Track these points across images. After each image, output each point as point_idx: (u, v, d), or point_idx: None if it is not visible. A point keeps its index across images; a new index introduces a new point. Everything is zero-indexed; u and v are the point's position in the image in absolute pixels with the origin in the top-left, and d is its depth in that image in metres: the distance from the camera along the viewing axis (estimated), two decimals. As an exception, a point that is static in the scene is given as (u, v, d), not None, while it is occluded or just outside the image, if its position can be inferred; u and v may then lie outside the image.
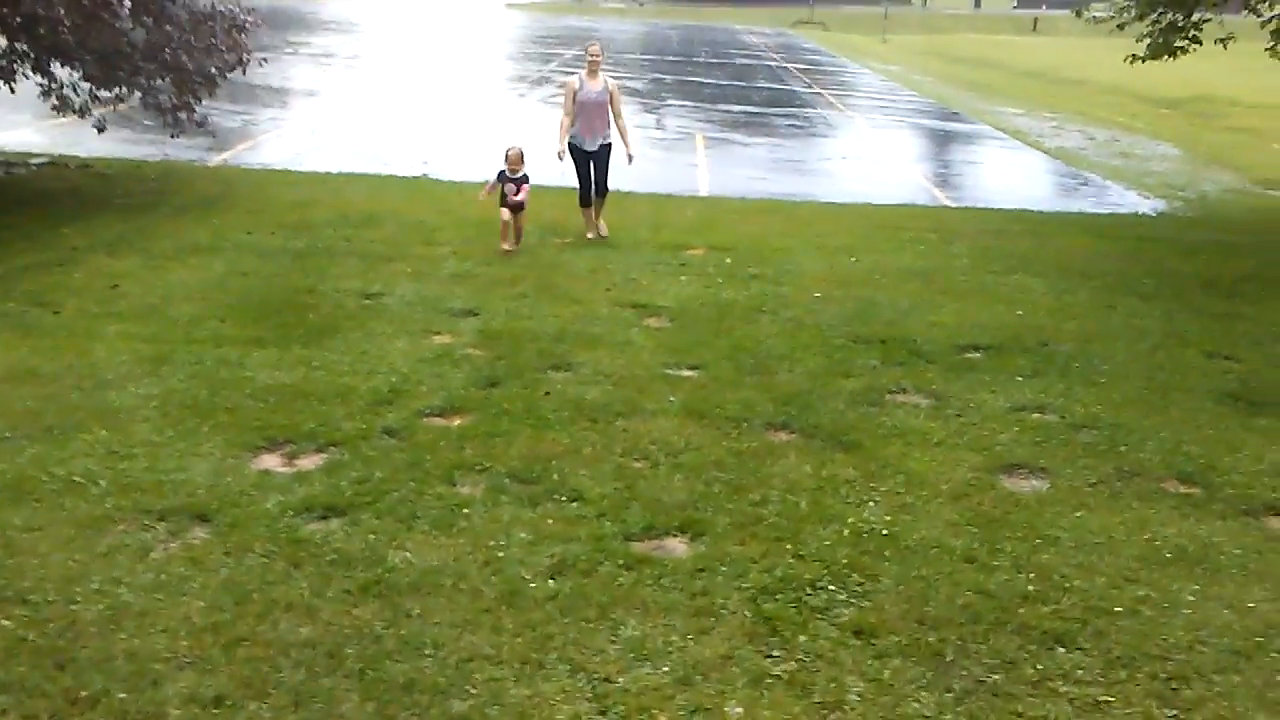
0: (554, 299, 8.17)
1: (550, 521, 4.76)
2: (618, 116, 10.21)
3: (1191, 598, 4.35)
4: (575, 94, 10.00)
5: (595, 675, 3.73)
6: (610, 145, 10.24)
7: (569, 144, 10.07)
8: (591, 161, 10.16)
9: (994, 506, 5.12)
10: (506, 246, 9.34)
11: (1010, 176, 17.08)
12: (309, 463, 5.26)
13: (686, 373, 6.77)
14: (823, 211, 12.80)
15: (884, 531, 4.80)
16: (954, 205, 14.12)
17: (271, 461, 5.27)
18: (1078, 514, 5.07)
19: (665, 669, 3.78)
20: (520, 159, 9.42)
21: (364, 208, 10.81)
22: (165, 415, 5.63)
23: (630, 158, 10.22)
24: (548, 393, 6.27)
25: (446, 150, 15.64)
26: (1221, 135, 21.84)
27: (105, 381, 6.02)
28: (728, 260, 9.67)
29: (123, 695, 3.47)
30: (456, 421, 5.83)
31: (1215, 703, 3.66)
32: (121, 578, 4.14)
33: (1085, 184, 16.30)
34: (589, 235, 10.24)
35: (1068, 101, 26.84)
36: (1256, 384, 6.98)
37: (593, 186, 10.21)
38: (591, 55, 10.27)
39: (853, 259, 10.03)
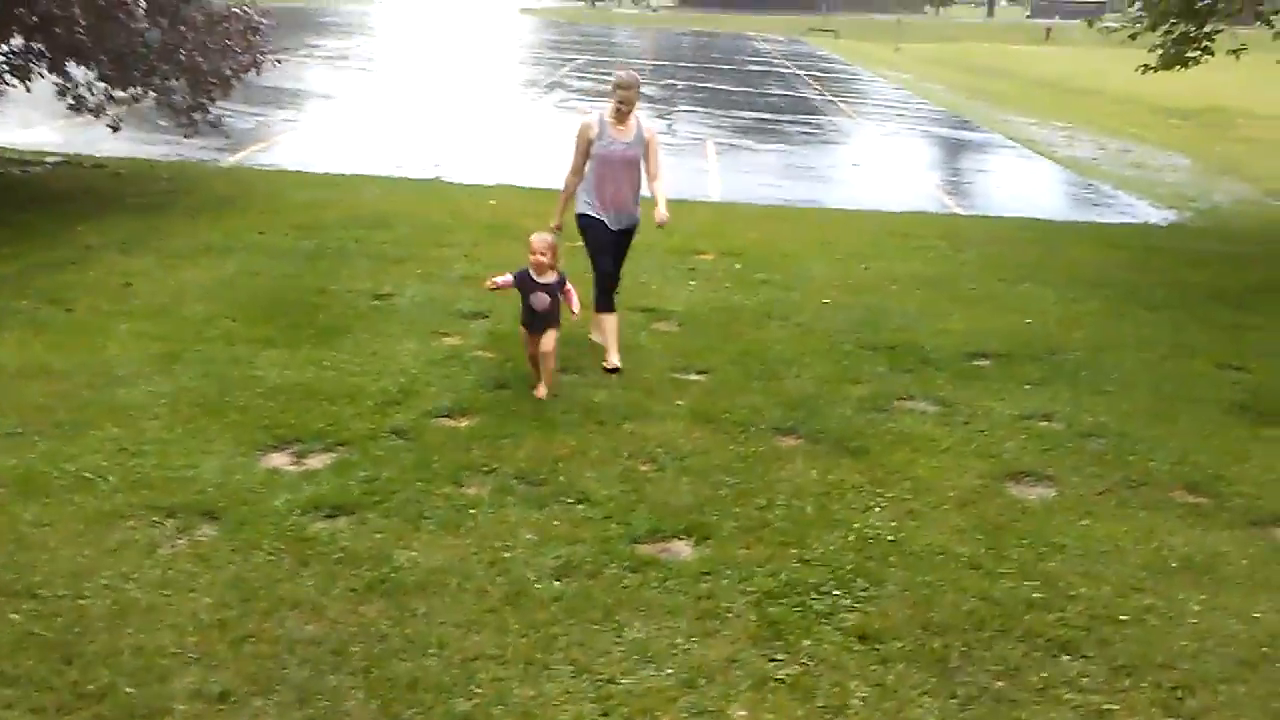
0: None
1: (557, 523, 4.78)
2: (653, 178, 6.89)
3: (1198, 607, 4.34)
4: (591, 143, 6.74)
5: (599, 676, 3.74)
6: (636, 226, 7.04)
7: (583, 216, 6.85)
8: (615, 244, 6.96)
9: (1000, 513, 5.11)
10: (540, 392, 6.23)
11: (1021, 185, 17.06)
12: (317, 462, 5.28)
13: (694, 377, 6.78)
14: (833, 218, 12.80)
15: (890, 537, 4.80)
16: (965, 213, 14.11)
17: (280, 460, 5.29)
18: (1084, 522, 5.07)
19: (669, 671, 3.79)
20: (552, 253, 6.21)
21: (376, 209, 10.84)
22: (176, 413, 5.66)
23: (663, 220, 6.77)
24: (556, 395, 6.28)
25: (459, 153, 15.69)
26: (1233, 146, 21.77)
27: (117, 378, 6.05)
28: (737, 265, 9.68)
29: (130, 690, 3.49)
30: (465, 423, 5.85)
31: (1220, 712, 3.66)
32: (129, 574, 4.17)
33: (1096, 194, 16.27)
34: (594, 337, 7.13)
35: (1080, 111, 26.79)
36: (1265, 395, 6.96)
37: (614, 278, 7.02)
38: (621, 92, 6.75)
39: (863, 265, 10.02)
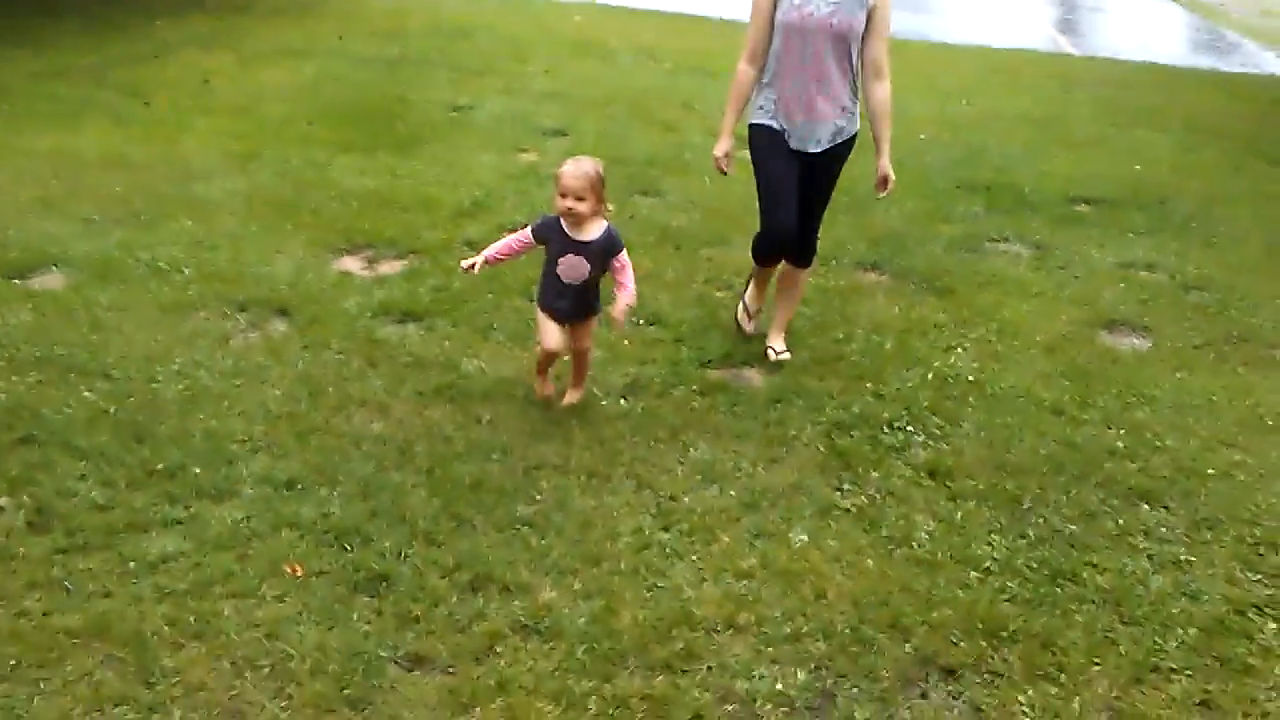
0: (646, 124, 7.92)
1: (627, 342, 4.68)
2: (874, 77, 4.39)
3: (1291, 467, 4.13)
4: (773, 5, 4.29)
5: (661, 493, 3.69)
6: (850, 143, 4.49)
7: (755, 127, 4.47)
8: (801, 169, 4.45)
9: (1089, 361, 4.89)
10: (544, 389, 4.19)
11: (1140, 27, 15.96)
12: (389, 268, 5.23)
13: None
14: (936, 52, 12.12)
15: (970, 377, 4.62)
16: (1078, 54, 13.26)
17: (352, 264, 5.25)
18: (1178, 374, 4.82)
19: (732, 493, 3.73)
20: (591, 188, 3.87)
21: (458, 19, 10.52)
22: (250, 211, 5.63)
23: (886, 176, 4.58)
24: (633, 216, 6.11)
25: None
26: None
27: (193, 173, 6.03)
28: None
29: (198, 470, 3.54)
30: (539, 238, 5.72)
31: (1306, 572, 3.50)
32: (202, 361, 4.19)
33: (1221, 40, 15.16)
34: (746, 327, 4.89)
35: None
36: (1388, 257, 6.50)
37: (792, 222, 4.46)
38: None
39: (965, 102, 9.51)
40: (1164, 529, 3.70)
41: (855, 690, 2.92)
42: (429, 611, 3.05)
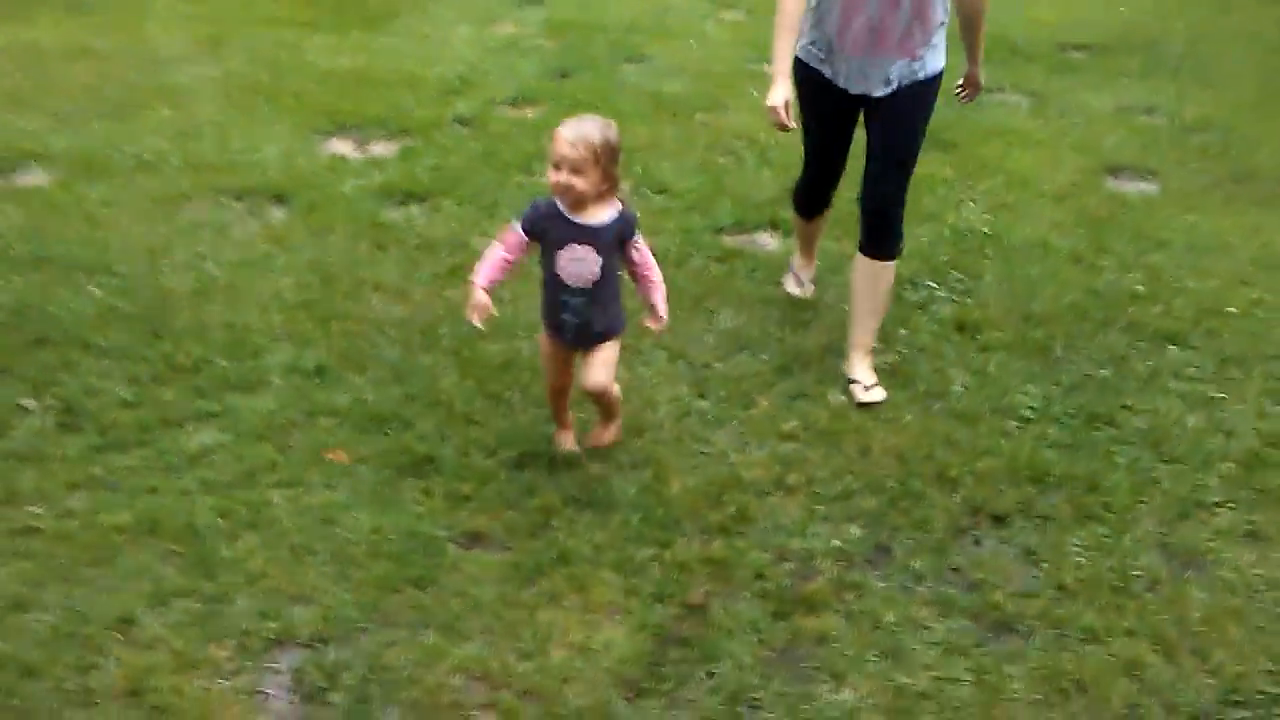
0: (623, -12, 7.62)
1: (638, 213, 4.57)
2: (974, 26, 3.65)
3: (1309, 302, 4.16)
4: None
5: (694, 361, 3.66)
6: (933, 82, 3.47)
7: (800, 65, 3.48)
8: (866, 117, 3.52)
9: (1100, 207, 4.86)
10: (563, 438, 3.21)
11: None
12: (382, 149, 5.06)
13: (768, 68, 6.35)
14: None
15: (985, 230, 4.59)
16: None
17: (343, 146, 5.07)
18: (1189, 217, 4.81)
19: (764, 357, 3.70)
20: (594, 159, 2.82)
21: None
22: (228, 97, 5.40)
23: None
24: (622, 85, 5.93)
25: None
26: None
27: (162, 60, 5.76)
28: (806, -49, 8.94)
29: (223, 363, 3.45)
30: (529, 112, 5.56)
31: (1333, 402, 3.55)
32: (206, 253, 4.06)
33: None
34: (795, 291, 4.08)
35: None
36: (1382, 91, 6.48)
37: (837, 172, 3.71)
38: None
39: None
40: (1193, 369, 3.73)
41: (910, 542, 2.95)
42: (479, 490, 3.03)
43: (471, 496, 3.01)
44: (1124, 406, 3.52)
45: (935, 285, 4.18)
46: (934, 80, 3.44)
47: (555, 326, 3.01)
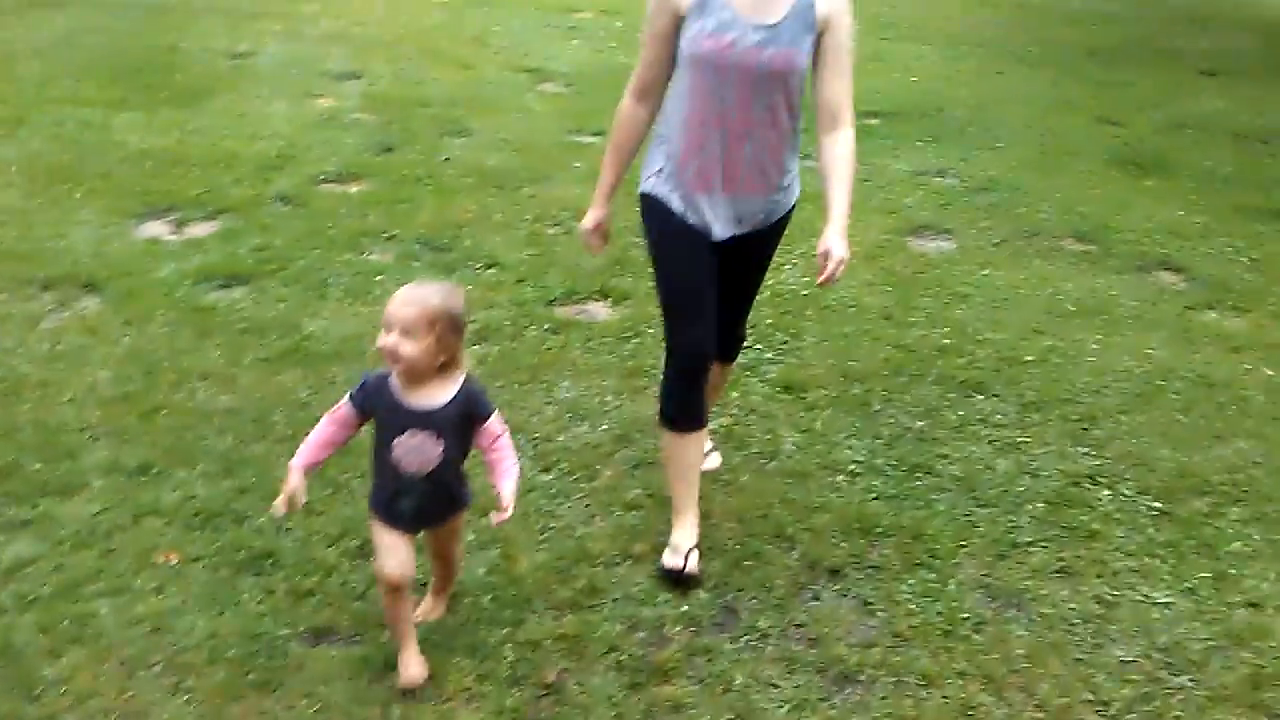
0: (440, 62, 7.70)
1: (469, 287, 4.60)
2: (832, 122, 3.00)
3: (1095, 346, 4.54)
4: (680, 21, 2.88)
5: (535, 435, 3.69)
6: (786, 219, 3.22)
7: (651, 201, 3.06)
8: (719, 257, 3.08)
9: (906, 266, 5.19)
10: (402, 638, 2.67)
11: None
12: (200, 230, 4.92)
13: (589, 139, 6.52)
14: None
15: (804, 292, 4.82)
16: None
17: (158, 229, 4.91)
18: (984, 272, 5.19)
19: (604, 427, 3.77)
20: (428, 323, 2.46)
21: (219, -41, 9.80)
22: (31, 181, 5.15)
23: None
24: (447, 159, 5.97)
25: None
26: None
27: (-46, 144, 5.45)
28: (618, 24, 9.24)
29: (37, 465, 3.27)
30: (355, 188, 5.52)
31: (1123, 440, 3.88)
32: (13, 349, 3.85)
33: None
34: (672, 562, 3.08)
35: None
36: (1141, 148, 7.16)
37: (711, 345, 3.13)
38: None
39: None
40: (999, 416, 4.01)
41: (754, 601, 3.05)
42: (322, 583, 2.96)
43: (315, 590, 2.94)
44: (940, 455, 3.75)
45: (762, 347, 4.36)
46: (788, 218, 3.18)
47: (390, 514, 2.62)
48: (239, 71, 7.01)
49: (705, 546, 3.20)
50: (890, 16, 10.58)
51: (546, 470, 3.53)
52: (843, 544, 3.29)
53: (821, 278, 2.91)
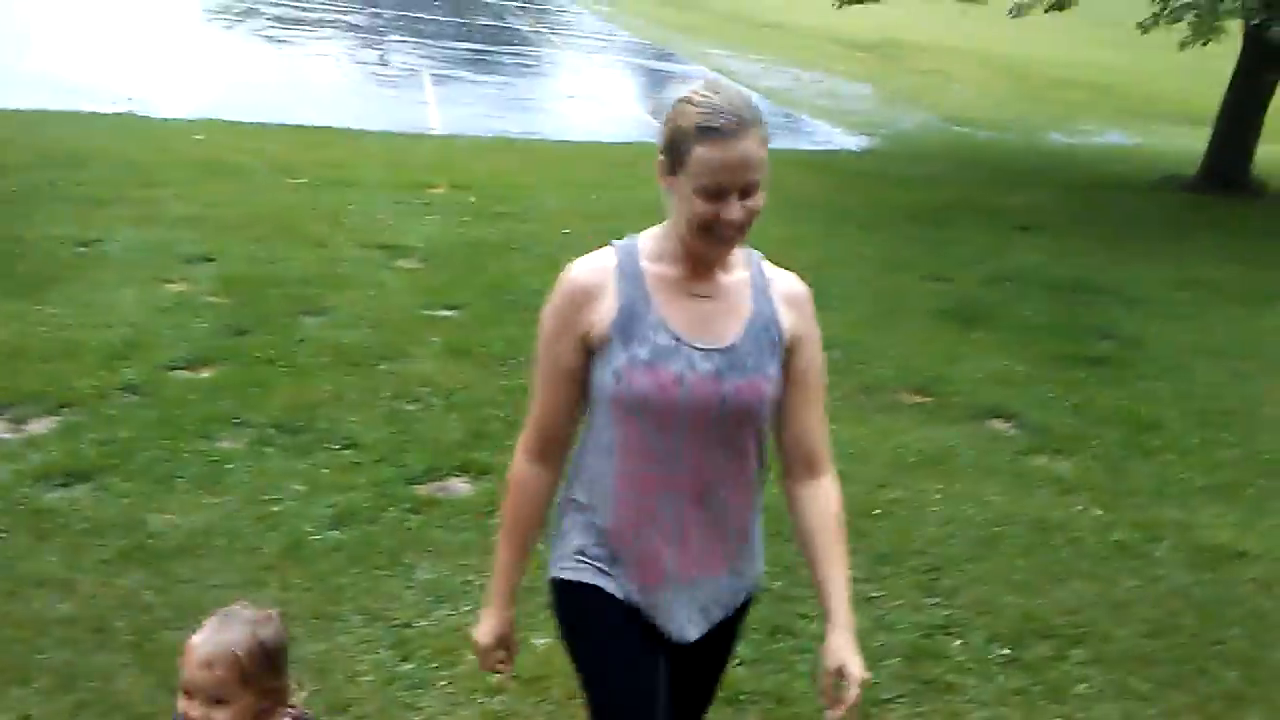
0: (295, 241, 7.75)
1: (326, 470, 4.57)
2: (808, 469, 2.36)
3: (938, 496, 4.77)
4: (589, 351, 2.13)
5: (394, 622, 3.64)
6: (750, 602, 2.37)
7: (567, 586, 2.24)
8: (671, 664, 2.23)
9: (758, 427, 5.37)
10: None
11: (731, 115, 17.70)
12: (40, 426, 4.76)
13: (445, 313, 6.64)
14: (558, 150, 12.81)
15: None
16: (683, 143, 14.49)
17: (-6, 428, 4.73)
18: (831, 428, 5.40)
19: (466, 608, 3.74)
20: (239, 675, 2.01)
21: (68, 147, 9.71)
22: None
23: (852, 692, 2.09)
24: (302, 339, 5.97)
25: (152, 85, 14.34)
26: (911, 77, 23.58)
27: None
28: (472, 199, 9.51)
29: None
30: (206, 373, 5.45)
31: (970, 589, 4.06)
32: None
33: (795, 122, 17.18)
34: None
35: (771, 44, 28.06)
36: (968, 302, 7.69)
37: None
38: (716, 163, 2.03)
39: (594, 196, 10.12)
40: (853, 570, 4.09)
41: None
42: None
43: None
44: (800, 615, 3.84)
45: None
46: (751, 599, 2.38)
47: None
48: (87, 259, 6.91)
49: (572, 728, 3.18)
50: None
51: (406, 659, 3.47)
52: (711, 713, 3.30)
53: (838, 711, 2.07)
